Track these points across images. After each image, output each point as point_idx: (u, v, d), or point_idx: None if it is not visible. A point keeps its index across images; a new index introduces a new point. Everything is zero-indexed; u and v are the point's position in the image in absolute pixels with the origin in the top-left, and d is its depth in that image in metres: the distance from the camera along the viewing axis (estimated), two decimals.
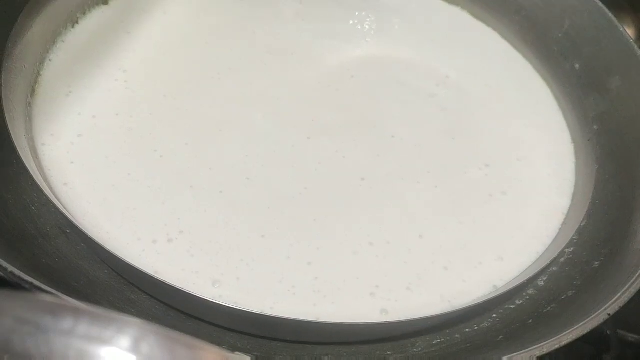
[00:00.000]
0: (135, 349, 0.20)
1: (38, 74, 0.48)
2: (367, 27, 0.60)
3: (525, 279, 0.42)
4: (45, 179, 0.42)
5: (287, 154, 0.48)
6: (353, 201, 0.46)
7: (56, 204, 0.39)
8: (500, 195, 0.49)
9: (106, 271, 0.41)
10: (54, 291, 0.33)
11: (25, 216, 0.42)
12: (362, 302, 0.41)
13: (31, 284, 0.33)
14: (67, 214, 0.39)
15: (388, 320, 0.40)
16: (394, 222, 0.45)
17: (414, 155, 0.50)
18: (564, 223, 0.48)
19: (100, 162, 0.45)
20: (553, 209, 0.49)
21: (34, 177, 0.38)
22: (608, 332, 0.45)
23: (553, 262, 0.43)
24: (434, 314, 0.39)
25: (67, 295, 0.33)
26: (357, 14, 0.61)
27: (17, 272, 0.33)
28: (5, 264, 0.33)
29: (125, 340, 0.20)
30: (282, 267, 0.41)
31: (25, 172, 0.39)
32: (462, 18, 0.62)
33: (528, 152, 0.53)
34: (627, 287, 0.39)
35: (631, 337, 0.48)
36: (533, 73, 0.59)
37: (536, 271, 0.42)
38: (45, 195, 0.38)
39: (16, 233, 0.40)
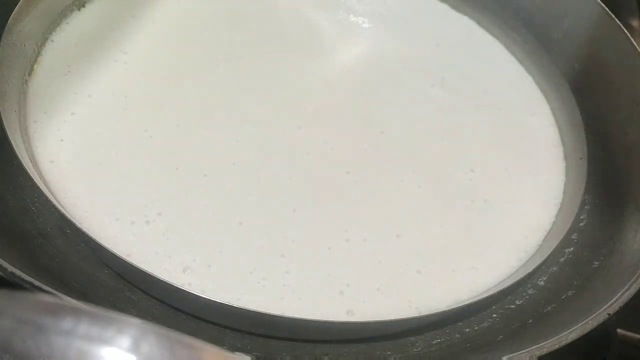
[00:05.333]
0: (135, 349, 0.20)
1: (39, 53, 0.48)
2: (367, 24, 0.60)
3: (495, 291, 0.41)
4: (32, 156, 0.42)
5: (276, 142, 0.48)
6: (335, 194, 0.46)
7: (28, 170, 0.38)
8: (482, 202, 0.48)
9: (106, 271, 0.41)
10: (54, 291, 0.33)
11: (25, 216, 0.41)
12: (330, 300, 0.40)
13: (31, 284, 0.33)
14: (39, 184, 0.38)
15: (350, 320, 0.39)
16: (373, 219, 0.45)
17: (402, 152, 0.50)
18: (545, 240, 0.47)
19: (90, 140, 0.45)
20: (535, 224, 0.47)
21: (17, 152, 0.38)
22: (608, 332, 0.45)
23: (524, 279, 0.42)
24: (398, 317, 0.39)
25: (67, 295, 0.33)
26: (359, 10, 0.61)
27: (17, 272, 0.33)
28: (5, 264, 0.33)
29: (125, 340, 0.20)
30: (255, 258, 0.41)
31: (24, 172, 0.39)
32: (462, 21, 0.62)
33: (516, 163, 0.51)
34: (627, 287, 0.39)
35: (631, 337, 0.48)
36: (530, 79, 0.58)
37: (508, 284, 0.41)
38: (26, 171, 0.38)
39: (16, 233, 0.40)
